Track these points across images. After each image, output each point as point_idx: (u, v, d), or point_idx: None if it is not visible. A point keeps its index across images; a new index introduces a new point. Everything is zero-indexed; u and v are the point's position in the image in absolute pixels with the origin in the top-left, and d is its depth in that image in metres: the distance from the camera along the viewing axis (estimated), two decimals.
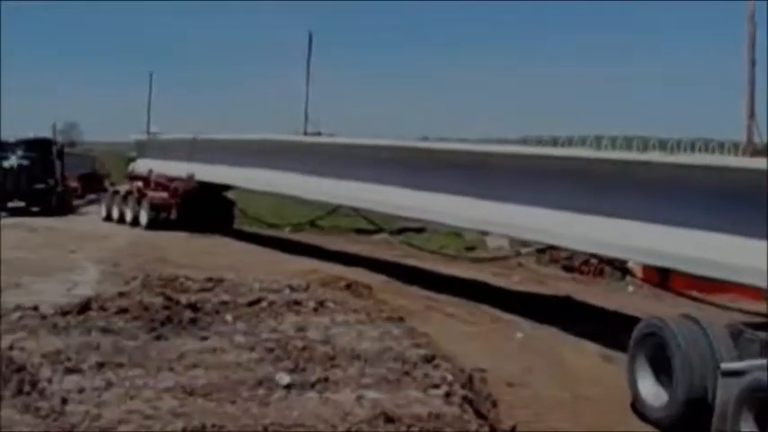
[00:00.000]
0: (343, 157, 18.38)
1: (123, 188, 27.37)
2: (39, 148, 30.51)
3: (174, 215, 24.81)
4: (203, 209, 24.42)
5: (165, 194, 25.24)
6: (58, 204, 29.56)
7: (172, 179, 25.47)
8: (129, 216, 25.77)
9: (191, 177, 24.52)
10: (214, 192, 24.77)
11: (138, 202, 25.57)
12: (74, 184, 36.45)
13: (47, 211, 28.15)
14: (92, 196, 38.79)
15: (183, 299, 10.69)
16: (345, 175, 17.86)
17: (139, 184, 26.69)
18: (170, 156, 26.63)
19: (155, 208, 24.95)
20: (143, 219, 25.13)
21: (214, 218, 24.56)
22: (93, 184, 40.67)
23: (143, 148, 29.74)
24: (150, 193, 25.47)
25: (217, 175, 23.69)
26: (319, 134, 21.01)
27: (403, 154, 16.33)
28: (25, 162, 29.79)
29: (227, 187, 24.61)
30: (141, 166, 28.40)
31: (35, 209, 28.58)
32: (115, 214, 26.69)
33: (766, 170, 9.00)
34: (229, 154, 23.00)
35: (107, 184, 40.67)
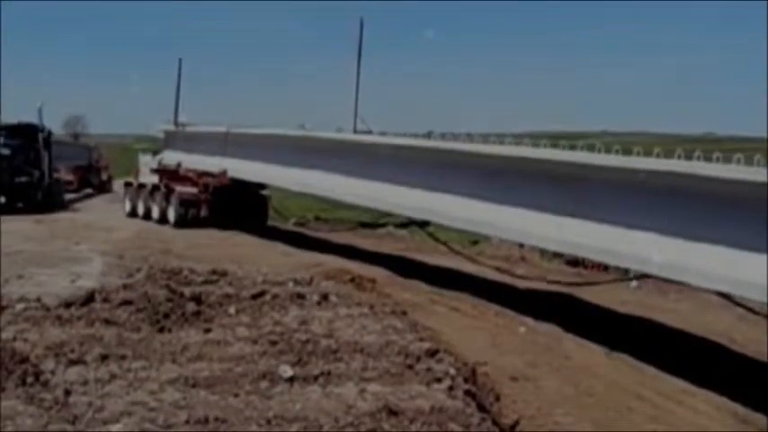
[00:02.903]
0: (398, 159, 16.43)
1: (150, 182, 25.73)
2: (22, 136, 26.85)
3: (204, 212, 23.41)
4: (236, 206, 23.16)
5: (194, 190, 23.75)
6: (45, 200, 26.41)
7: (201, 174, 24.11)
8: (155, 212, 24.24)
9: (223, 173, 23.27)
10: (248, 188, 23.34)
11: (166, 198, 24.02)
12: (69, 176, 34.46)
13: (32, 209, 25.19)
14: (88, 190, 37.96)
15: (187, 291, 10.67)
16: (402, 181, 16.00)
17: (156, 177, 25.51)
18: (200, 149, 25.21)
19: (184, 204, 23.46)
20: (171, 215, 23.69)
21: (247, 216, 23.24)
22: (90, 177, 39.66)
23: (171, 140, 27.97)
24: (179, 188, 23.96)
25: (249, 173, 22.49)
26: (370, 132, 19.25)
27: (470, 160, 14.37)
28: (6, 151, 26.21)
29: (261, 185, 23.32)
30: (168, 158, 26.82)
31: (19, 205, 25.58)
32: (140, 210, 25.15)
33: (767, 182, 8.84)
34: (265, 150, 21.71)
35: (105, 177, 40.17)
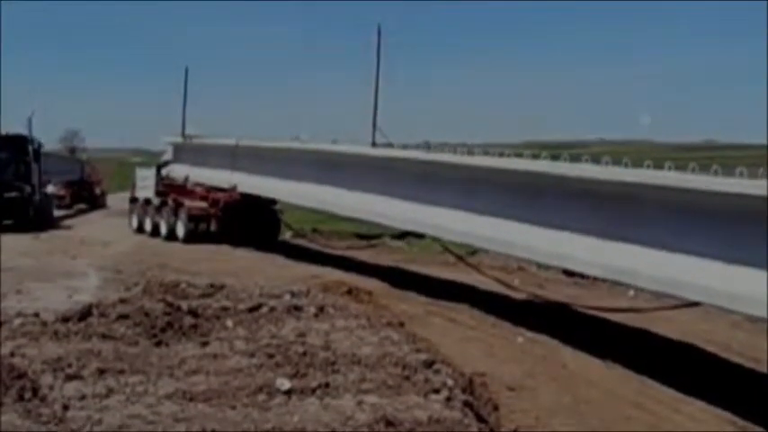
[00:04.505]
0: (421, 175, 15.49)
1: (148, 196, 25.15)
2: (11, 148, 24.92)
3: (213, 227, 22.78)
4: (247, 221, 22.53)
5: (204, 204, 23.14)
6: (36, 217, 24.52)
7: (211, 189, 23.53)
8: (163, 228, 23.55)
9: (233, 188, 22.62)
10: (259, 203, 22.67)
11: (175, 213, 23.34)
12: (61, 192, 33.66)
13: (22, 227, 23.27)
14: (81, 206, 37.53)
15: (184, 305, 10.69)
16: (426, 200, 15.09)
17: (152, 191, 25.03)
18: (208, 162, 24.56)
19: (193, 219, 22.77)
20: (180, 231, 23.03)
21: (258, 231, 22.69)
22: (83, 192, 38.61)
23: (178, 153, 27.08)
24: (188, 203, 23.28)
25: (260, 188, 21.78)
26: (391, 146, 17.91)
27: (504, 178, 13.35)
28: None
29: (273, 200, 22.74)
30: (177, 171, 26.22)
31: (8, 222, 23.53)
32: (148, 226, 24.40)
33: (767, 195, 8.77)
34: (277, 164, 20.93)
35: (98, 191, 39.74)
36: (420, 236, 21.25)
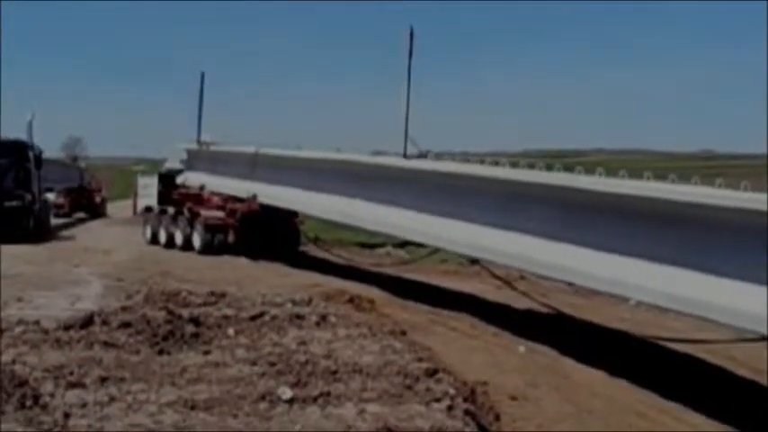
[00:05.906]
0: (455, 189, 14.72)
1: (150, 205, 24.87)
2: (11, 154, 23.72)
3: (231, 238, 22.24)
4: (266, 232, 21.95)
5: (221, 214, 22.63)
6: (36, 227, 23.55)
7: (228, 198, 23.09)
8: (179, 239, 23.10)
9: (253, 197, 22.02)
10: (279, 214, 21.99)
11: (190, 223, 22.79)
12: (60, 199, 33.30)
13: (22, 238, 21.92)
14: (81, 214, 36.68)
15: (186, 313, 10.68)
16: (460, 216, 14.29)
17: (153, 200, 24.73)
18: (225, 171, 24.09)
19: (210, 230, 22.22)
20: (196, 242, 22.51)
21: (277, 243, 22.11)
22: (82, 200, 37.77)
23: (193, 160, 26.52)
24: (204, 213, 22.75)
25: (281, 199, 21.13)
26: (425, 157, 16.89)
27: (555, 194, 12.27)
28: None
29: (294, 212, 22.12)
30: (192, 179, 25.69)
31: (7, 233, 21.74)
32: (163, 237, 23.85)
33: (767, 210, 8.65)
34: (298, 175, 20.35)
35: (98, 199, 39.45)
36: (421, 245, 21.11)
